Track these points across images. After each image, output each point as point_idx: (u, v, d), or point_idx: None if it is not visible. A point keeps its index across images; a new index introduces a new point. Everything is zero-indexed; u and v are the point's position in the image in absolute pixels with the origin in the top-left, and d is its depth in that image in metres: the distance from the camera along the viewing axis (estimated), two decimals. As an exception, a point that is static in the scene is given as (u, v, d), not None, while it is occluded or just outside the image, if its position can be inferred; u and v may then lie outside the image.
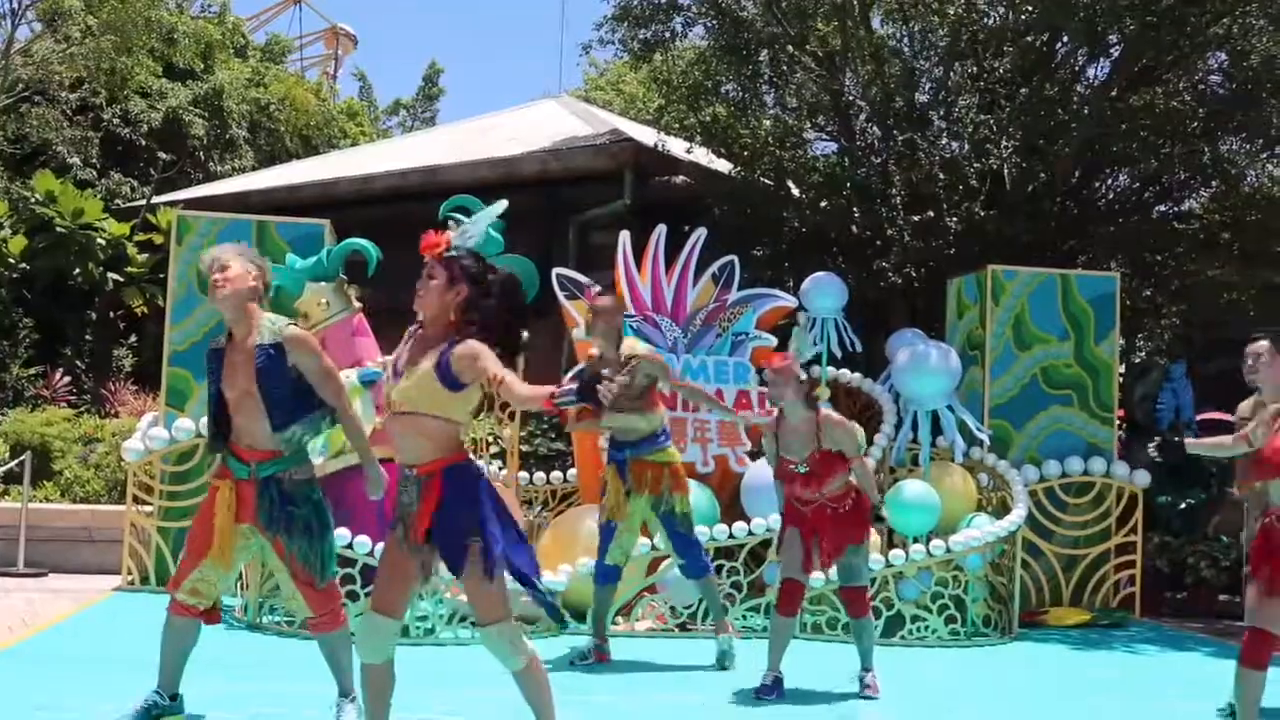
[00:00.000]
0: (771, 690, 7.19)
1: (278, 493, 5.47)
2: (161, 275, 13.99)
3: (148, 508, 10.38)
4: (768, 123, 13.80)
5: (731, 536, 9.35)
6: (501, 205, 5.30)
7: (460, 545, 4.68)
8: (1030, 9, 11.75)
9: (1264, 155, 13.06)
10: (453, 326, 4.72)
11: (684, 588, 8.97)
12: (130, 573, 10.35)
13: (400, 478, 4.79)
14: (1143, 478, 11.20)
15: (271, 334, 5.49)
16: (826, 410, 7.39)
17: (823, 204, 12.95)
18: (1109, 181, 13.97)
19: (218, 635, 8.41)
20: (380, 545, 8.08)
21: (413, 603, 8.44)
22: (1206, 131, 12.33)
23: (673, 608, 9.27)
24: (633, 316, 10.35)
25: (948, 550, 9.36)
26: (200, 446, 10.30)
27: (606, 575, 8.18)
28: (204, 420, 10.25)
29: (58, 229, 17.71)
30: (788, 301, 11.14)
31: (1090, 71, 13.25)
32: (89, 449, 12.85)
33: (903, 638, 9.30)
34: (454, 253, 4.77)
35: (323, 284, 8.98)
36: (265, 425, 5.47)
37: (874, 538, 7.92)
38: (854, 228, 12.82)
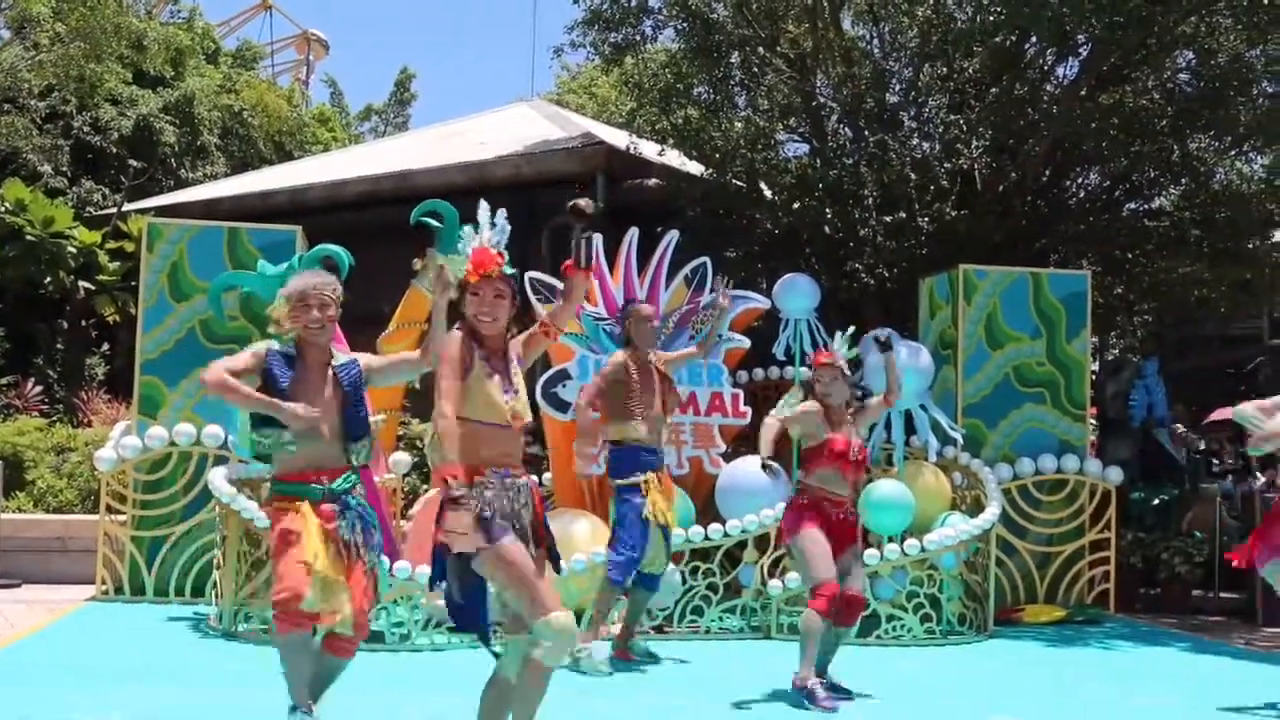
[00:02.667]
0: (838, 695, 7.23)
1: (357, 505, 5.57)
2: (133, 283, 13.93)
3: (121, 517, 10.35)
4: (739, 125, 13.82)
5: (707, 538, 9.36)
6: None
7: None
8: (998, 10, 11.80)
9: (1232, 153, 13.15)
10: (504, 336, 5.06)
11: (661, 590, 8.99)
12: (104, 582, 10.31)
13: (501, 483, 4.85)
14: (1115, 474, 11.27)
15: (344, 354, 5.68)
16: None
17: (795, 205, 12.97)
18: (1079, 180, 14.04)
19: (193, 644, 8.40)
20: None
21: (389, 610, 8.46)
22: (1175, 130, 12.40)
23: (649, 610, 9.28)
24: (605, 319, 10.37)
25: (923, 549, 9.39)
26: (174, 455, 10.28)
27: (651, 581, 8.41)
28: (177, 428, 10.29)
29: (28, 237, 17.61)
30: (760, 303, 11.16)
31: (1059, 71, 13.33)
32: (61, 458, 12.79)
33: (879, 637, 9.34)
34: (510, 270, 5.06)
35: (295, 290, 8.94)
36: (339, 444, 5.55)
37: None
38: (826, 229, 12.85)
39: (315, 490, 5.45)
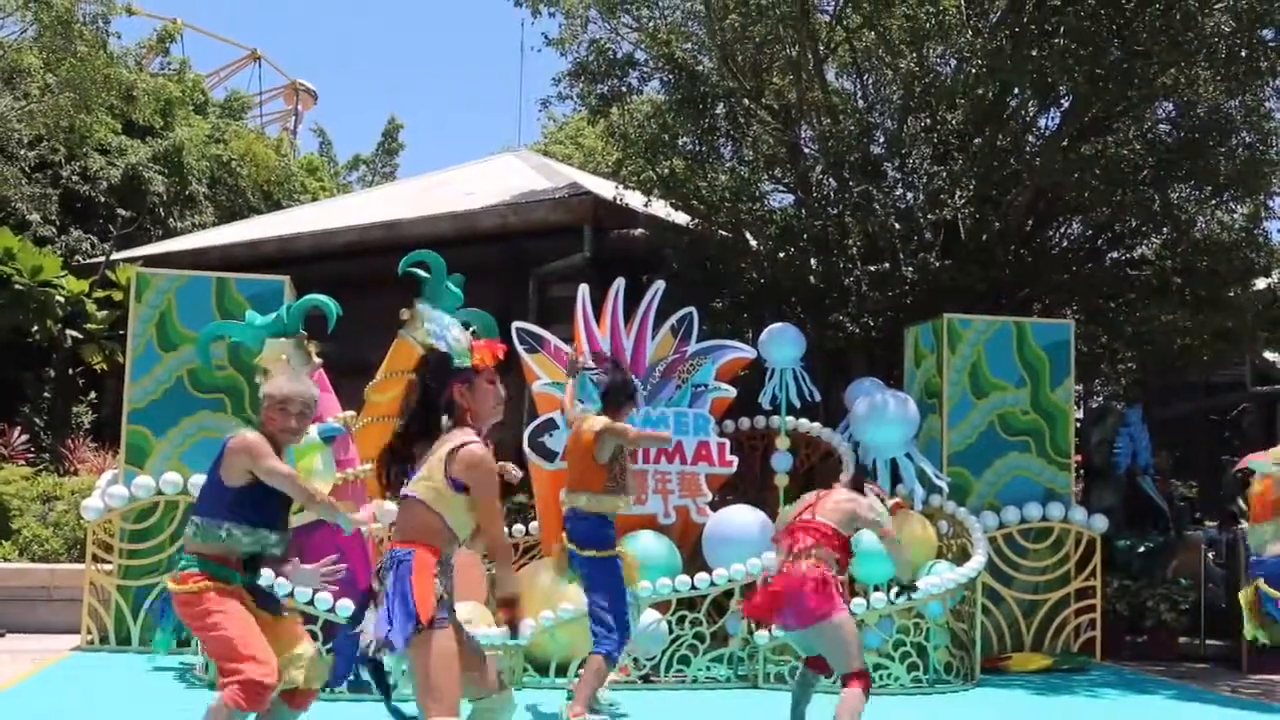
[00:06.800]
0: None
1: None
2: (121, 332, 13.95)
3: (107, 566, 10.32)
4: (725, 175, 13.89)
5: (694, 588, 9.36)
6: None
7: None
8: (981, 63, 11.93)
9: (1213, 202, 13.25)
10: None
11: (647, 639, 8.99)
12: (90, 632, 10.27)
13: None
14: (1101, 522, 11.30)
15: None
16: None
17: (780, 255, 13.05)
18: (1062, 230, 14.15)
19: (179, 694, 8.37)
20: (342, 602, 8.08)
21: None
22: (1156, 179, 12.52)
23: (635, 659, 9.27)
24: (591, 369, 10.41)
25: (909, 598, 9.40)
26: (160, 504, 10.27)
27: None
28: (164, 478, 10.29)
29: (16, 286, 17.63)
30: (746, 353, 11.20)
31: (1041, 122, 13.46)
32: (48, 507, 12.75)
33: (865, 686, 9.31)
34: None
35: (283, 340, 8.98)
36: None
37: None
38: (811, 278, 12.92)
39: (238, 576, 5.40)
